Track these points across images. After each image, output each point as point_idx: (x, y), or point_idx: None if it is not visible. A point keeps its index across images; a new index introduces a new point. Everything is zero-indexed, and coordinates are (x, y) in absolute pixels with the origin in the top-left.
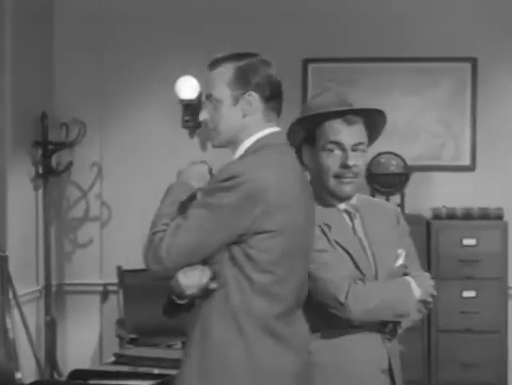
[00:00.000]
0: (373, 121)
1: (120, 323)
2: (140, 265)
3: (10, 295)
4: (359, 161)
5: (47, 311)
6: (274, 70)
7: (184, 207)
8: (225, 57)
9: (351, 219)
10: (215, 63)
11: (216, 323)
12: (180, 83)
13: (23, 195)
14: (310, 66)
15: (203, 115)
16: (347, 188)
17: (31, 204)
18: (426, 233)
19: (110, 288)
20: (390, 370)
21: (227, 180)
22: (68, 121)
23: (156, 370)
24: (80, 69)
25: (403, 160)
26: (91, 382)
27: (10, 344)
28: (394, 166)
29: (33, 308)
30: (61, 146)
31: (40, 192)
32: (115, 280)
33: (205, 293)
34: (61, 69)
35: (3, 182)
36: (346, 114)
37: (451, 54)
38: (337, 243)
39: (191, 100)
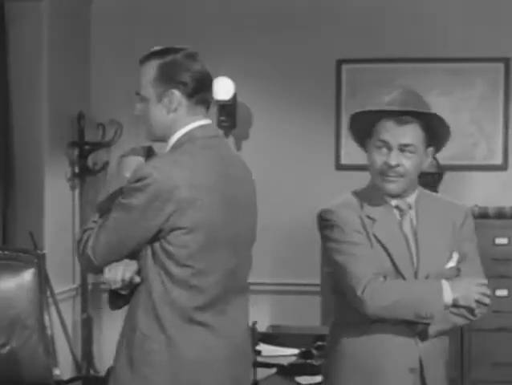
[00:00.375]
0: (432, 126)
1: None
2: None
3: (48, 293)
4: (405, 162)
5: (84, 309)
6: (199, 64)
7: (115, 199)
8: (149, 54)
9: (402, 215)
10: (142, 61)
11: (140, 316)
12: (215, 84)
13: (60, 194)
14: (344, 67)
15: (135, 112)
16: (390, 187)
17: (68, 204)
18: None
19: None
20: (421, 371)
21: (137, 181)
22: (105, 121)
23: None
24: (117, 69)
25: (436, 159)
26: None
27: (48, 341)
28: (427, 165)
29: (69, 306)
30: (97, 146)
31: (77, 191)
32: None
33: (131, 286)
34: (98, 70)
35: (41, 182)
36: (399, 114)
37: (484, 55)
38: (375, 237)
39: (226, 101)
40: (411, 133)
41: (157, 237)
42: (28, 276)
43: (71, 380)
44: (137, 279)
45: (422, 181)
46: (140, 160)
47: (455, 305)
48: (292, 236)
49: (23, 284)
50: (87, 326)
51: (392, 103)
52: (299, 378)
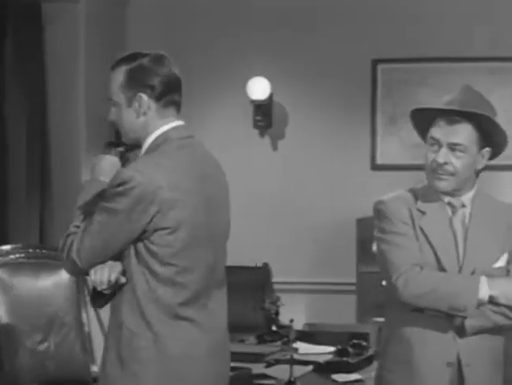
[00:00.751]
0: (485, 127)
1: None
2: None
3: (85, 291)
4: (455, 161)
5: None
6: (166, 68)
7: (95, 203)
8: (118, 60)
9: (453, 212)
10: (112, 67)
11: (126, 314)
12: (251, 84)
13: None
14: (380, 67)
15: (110, 117)
16: (439, 184)
17: None
18: None
19: None
20: (459, 366)
21: (119, 185)
22: None
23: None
24: None
25: None
26: None
27: (85, 338)
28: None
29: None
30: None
31: None
32: None
33: (116, 287)
34: None
35: (77, 182)
36: (454, 113)
37: None
38: (421, 230)
39: (262, 101)
40: (461, 133)
41: (141, 237)
42: (65, 274)
43: None
44: (123, 280)
45: None
46: (115, 161)
47: (495, 303)
48: (328, 235)
49: (61, 282)
50: None
51: (452, 102)
52: (335, 376)
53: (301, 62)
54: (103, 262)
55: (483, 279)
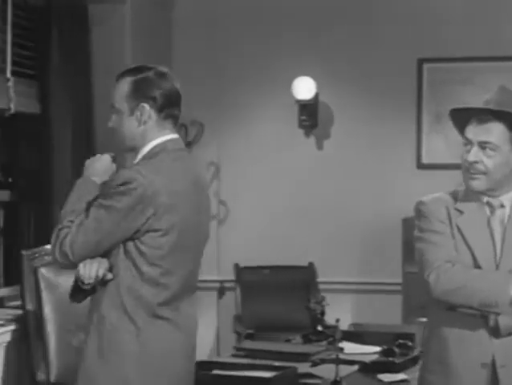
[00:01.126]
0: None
1: (238, 319)
2: (257, 262)
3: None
4: (486, 160)
5: None
6: (169, 82)
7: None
8: (125, 72)
9: (492, 212)
10: (117, 77)
11: (108, 309)
12: (296, 84)
13: None
14: (425, 66)
15: (110, 123)
16: (472, 183)
17: None
18: None
19: (226, 284)
20: (494, 367)
21: (122, 184)
22: (186, 122)
23: (276, 363)
24: (199, 71)
25: None
26: (215, 372)
27: None
28: None
29: None
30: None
31: None
32: (231, 277)
33: (102, 282)
34: (179, 71)
35: None
36: (486, 113)
37: None
38: (458, 229)
39: (307, 100)
40: (492, 131)
41: (132, 236)
42: None
43: None
44: (109, 276)
45: None
46: (110, 163)
47: None
48: (373, 235)
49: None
50: None
51: (488, 102)
52: (381, 376)
53: (346, 62)
54: (93, 258)
55: None
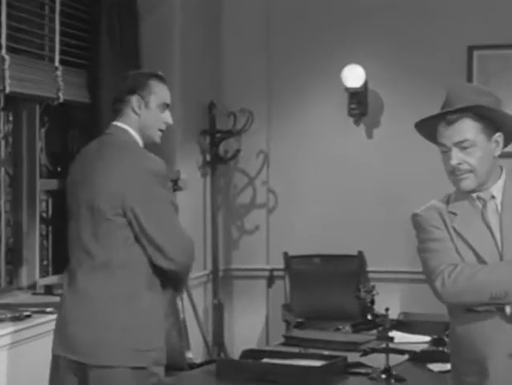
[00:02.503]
0: (483, 116)
1: (287, 308)
2: (306, 251)
3: None
4: (468, 158)
5: (215, 295)
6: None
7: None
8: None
9: (484, 205)
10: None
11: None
12: (346, 72)
13: (192, 182)
14: (476, 54)
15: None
16: (463, 184)
17: (199, 191)
18: None
19: (276, 273)
20: None
21: None
22: (236, 110)
23: (325, 352)
24: (248, 59)
25: None
26: (264, 361)
27: (181, 325)
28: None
29: (201, 292)
30: (228, 134)
31: (208, 179)
32: (281, 265)
33: None
34: (229, 59)
35: (172, 172)
36: (446, 115)
37: None
38: (455, 231)
39: (357, 88)
40: (462, 129)
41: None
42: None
43: (205, 363)
44: None
45: None
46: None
47: None
48: None
49: None
50: (218, 312)
51: (444, 105)
52: (431, 365)
53: (396, 50)
54: None
55: None
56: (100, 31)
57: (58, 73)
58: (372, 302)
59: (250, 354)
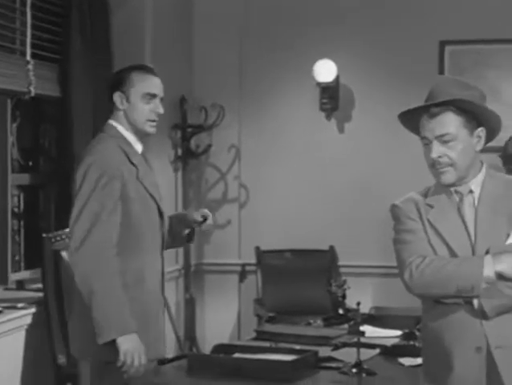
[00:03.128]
0: (466, 109)
1: (259, 302)
2: (278, 246)
3: None
4: (448, 152)
5: (186, 289)
6: None
7: None
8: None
9: (461, 199)
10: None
11: None
12: (318, 66)
13: (163, 177)
14: (448, 49)
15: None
16: (443, 178)
17: (171, 186)
18: None
19: (248, 268)
20: (489, 350)
21: None
22: (207, 105)
23: (297, 346)
24: (220, 53)
25: None
26: (235, 355)
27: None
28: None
29: (173, 286)
30: (200, 129)
31: (179, 173)
32: (252, 260)
33: None
34: (201, 54)
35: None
36: (430, 108)
37: None
38: (429, 223)
39: (329, 83)
40: (444, 122)
41: None
42: None
43: (177, 358)
44: None
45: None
46: None
47: (508, 279)
48: None
49: None
50: (190, 307)
51: (428, 98)
52: (402, 360)
53: (367, 44)
54: None
55: (487, 256)
56: (71, 25)
57: (30, 67)
58: (344, 297)
59: (222, 348)
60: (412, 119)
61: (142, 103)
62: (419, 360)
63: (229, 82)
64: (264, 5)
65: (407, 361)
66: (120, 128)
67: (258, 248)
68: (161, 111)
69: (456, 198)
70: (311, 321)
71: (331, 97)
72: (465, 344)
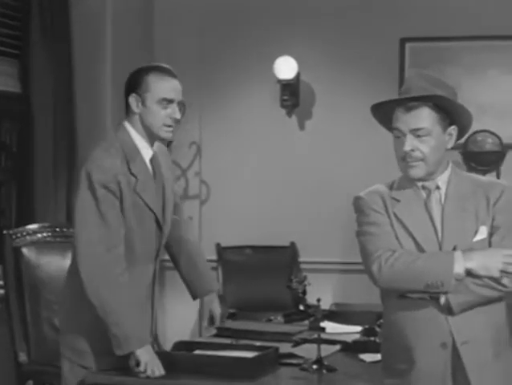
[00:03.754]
0: (443, 106)
1: (220, 298)
2: (239, 242)
3: None
4: (421, 146)
5: None
6: None
7: None
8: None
9: (428, 195)
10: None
11: None
12: (278, 63)
13: None
14: (408, 46)
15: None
16: (412, 172)
17: None
18: None
19: (208, 264)
20: (454, 346)
21: None
22: None
23: (258, 343)
24: (180, 49)
25: (499, 138)
26: (196, 352)
27: None
28: (490, 144)
29: None
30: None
31: None
32: (213, 256)
33: None
34: (161, 50)
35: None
36: (409, 100)
37: None
38: (396, 217)
39: (289, 80)
40: (421, 117)
41: None
42: None
43: None
44: None
45: (485, 160)
46: None
47: (476, 275)
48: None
49: None
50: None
51: (405, 90)
52: (363, 355)
53: (328, 42)
54: None
55: (458, 253)
56: (31, 20)
57: None
58: (304, 293)
59: (182, 345)
60: (383, 111)
61: (158, 108)
62: (379, 356)
63: (190, 78)
64: (225, 1)
65: (367, 357)
66: (133, 133)
67: (218, 244)
68: (178, 116)
69: (423, 194)
70: (272, 317)
71: (292, 94)
72: (430, 340)
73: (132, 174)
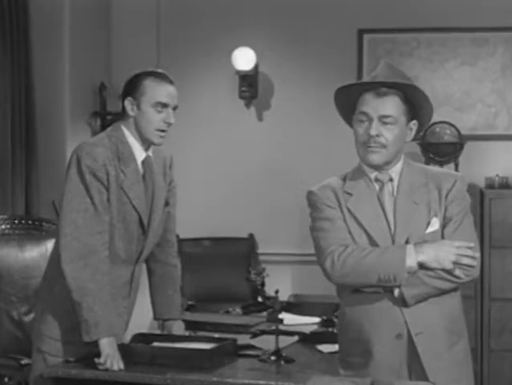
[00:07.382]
0: (413, 98)
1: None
2: (197, 234)
3: None
4: (386, 133)
5: None
6: None
7: None
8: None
9: (381, 188)
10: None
11: None
12: (236, 54)
13: None
14: (366, 37)
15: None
16: (372, 157)
17: None
18: (480, 202)
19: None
20: (409, 337)
21: None
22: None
23: (216, 334)
24: (138, 41)
25: (457, 129)
26: (154, 344)
27: None
28: (448, 135)
29: None
30: (119, 116)
31: None
32: None
33: None
34: (119, 41)
35: (63, 152)
36: (378, 87)
37: (506, 24)
38: (349, 211)
39: (248, 71)
40: (390, 104)
41: None
42: (51, 245)
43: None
44: None
45: (443, 151)
46: None
47: (428, 268)
48: None
49: (46, 254)
50: None
51: (375, 77)
52: (320, 346)
53: (286, 33)
54: None
55: (409, 246)
56: None
57: None
58: (263, 284)
59: (141, 337)
60: (348, 95)
61: (153, 112)
62: (337, 346)
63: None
64: None
65: (325, 348)
66: (127, 134)
67: (177, 236)
68: (172, 121)
69: (376, 186)
70: (230, 309)
71: (250, 85)
72: (385, 331)
73: (122, 170)
